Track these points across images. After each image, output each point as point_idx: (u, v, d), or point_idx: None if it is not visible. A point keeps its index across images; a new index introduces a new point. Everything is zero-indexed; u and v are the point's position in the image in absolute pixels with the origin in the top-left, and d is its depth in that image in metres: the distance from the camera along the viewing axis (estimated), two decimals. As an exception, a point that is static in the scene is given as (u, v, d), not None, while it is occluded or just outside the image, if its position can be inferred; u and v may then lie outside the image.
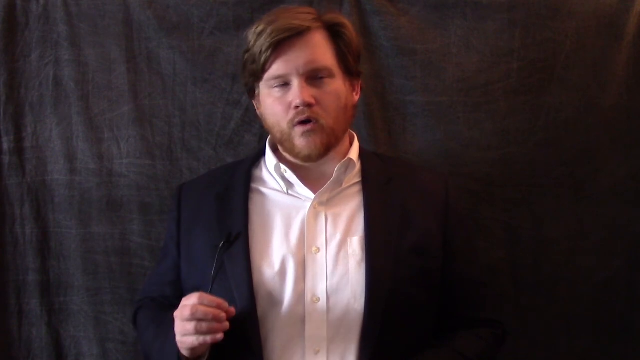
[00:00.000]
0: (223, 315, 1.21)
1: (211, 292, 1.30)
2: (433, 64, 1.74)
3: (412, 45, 1.74)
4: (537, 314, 1.75)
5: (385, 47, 1.74)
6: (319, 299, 1.31)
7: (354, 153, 1.43)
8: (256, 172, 1.46)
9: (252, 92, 1.44)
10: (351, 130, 1.48)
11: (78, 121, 1.76)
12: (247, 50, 1.38)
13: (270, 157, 1.44)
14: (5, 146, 1.75)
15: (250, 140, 1.76)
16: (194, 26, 1.75)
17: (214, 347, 1.28)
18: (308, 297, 1.31)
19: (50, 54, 1.75)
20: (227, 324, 1.21)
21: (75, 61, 1.75)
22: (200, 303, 1.21)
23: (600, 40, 1.73)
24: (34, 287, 1.76)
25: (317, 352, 1.29)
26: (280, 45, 1.32)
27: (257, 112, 1.46)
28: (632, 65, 1.74)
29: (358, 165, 1.43)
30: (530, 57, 1.73)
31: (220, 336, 1.21)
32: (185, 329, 1.22)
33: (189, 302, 1.23)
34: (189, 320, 1.21)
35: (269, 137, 1.47)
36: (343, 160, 1.40)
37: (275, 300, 1.32)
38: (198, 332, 1.21)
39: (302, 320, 1.31)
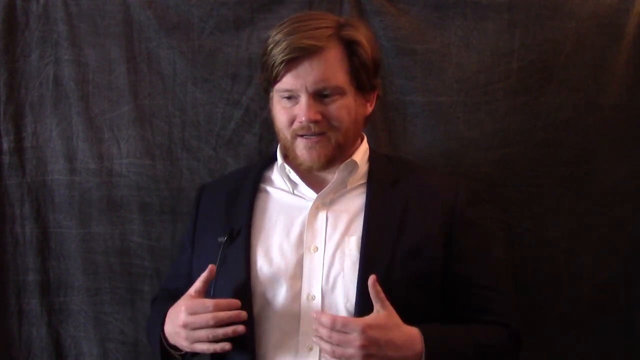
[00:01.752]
0: (243, 313, 1.27)
1: (215, 287, 1.33)
2: (433, 64, 1.74)
3: (412, 45, 1.74)
4: (537, 314, 1.75)
5: (385, 47, 1.74)
6: (314, 297, 1.32)
7: (359, 155, 1.43)
8: (267, 173, 1.48)
9: (265, 90, 1.45)
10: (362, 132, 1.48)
11: (78, 121, 1.76)
12: (265, 53, 1.38)
13: (278, 158, 1.45)
14: (5, 146, 1.75)
15: (251, 140, 1.76)
16: (194, 26, 1.75)
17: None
18: (304, 295, 1.32)
19: (50, 54, 1.75)
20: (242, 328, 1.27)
21: (75, 61, 1.75)
22: (215, 309, 1.26)
23: (600, 40, 1.73)
24: (34, 287, 1.76)
25: (310, 349, 1.30)
26: (291, 61, 1.32)
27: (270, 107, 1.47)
28: (632, 65, 1.74)
29: (365, 168, 1.43)
30: (530, 57, 1.73)
31: (228, 346, 1.26)
32: (198, 336, 1.27)
33: (201, 308, 1.27)
34: (203, 327, 1.26)
35: None
36: (345, 162, 1.40)
37: (271, 297, 1.33)
38: (211, 339, 1.26)
39: (297, 318, 1.32)
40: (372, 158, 1.46)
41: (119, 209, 1.76)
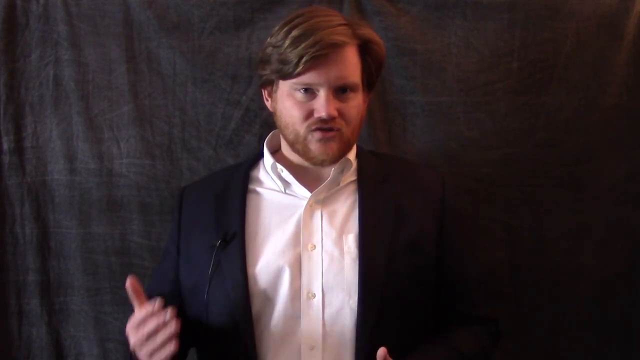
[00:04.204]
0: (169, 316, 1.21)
1: (208, 292, 1.32)
2: (433, 64, 1.74)
3: (412, 45, 1.74)
4: (537, 314, 1.75)
5: (385, 47, 1.73)
6: (314, 295, 1.32)
7: (352, 153, 1.44)
8: (254, 173, 1.46)
9: (266, 83, 1.43)
10: None
11: (78, 121, 1.76)
12: (275, 46, 1.36)
13: (267, 158, 1.44)
14: (5, 146, 1.75)
15: (250, 140, 1.76)
16: (194, 26, 1.75)
17: (211, 346, 1.33)
18: (304, 293, 1.32)
19: (50, 54, 1.75)
20: (174, 325, 1.20)
21: (75, 61, 1.75)
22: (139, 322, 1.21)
23: (600, 40, 1.73)
24: (34, 287, 1.76)
25: (312, 348, 1.30)
26: (318, 57, 1.31)
27: (266, 102, 1.46)
28: (632, 65, 1.74)
29: (355, 164, 1.44)
30: (530, 57, 1.73)
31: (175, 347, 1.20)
32: (146, 351, 1.21)
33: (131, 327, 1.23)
34: (143, 342, 1.21)
35: (267, 138, 1.48)
36: (340, 161, 1.40)
37: (270, 298, 1.32)
38: (155, 350, 1.20)
39: (298, 317, 1.31)
40: (360, 155, 1.47)
41: (119, 209, 1.76)
